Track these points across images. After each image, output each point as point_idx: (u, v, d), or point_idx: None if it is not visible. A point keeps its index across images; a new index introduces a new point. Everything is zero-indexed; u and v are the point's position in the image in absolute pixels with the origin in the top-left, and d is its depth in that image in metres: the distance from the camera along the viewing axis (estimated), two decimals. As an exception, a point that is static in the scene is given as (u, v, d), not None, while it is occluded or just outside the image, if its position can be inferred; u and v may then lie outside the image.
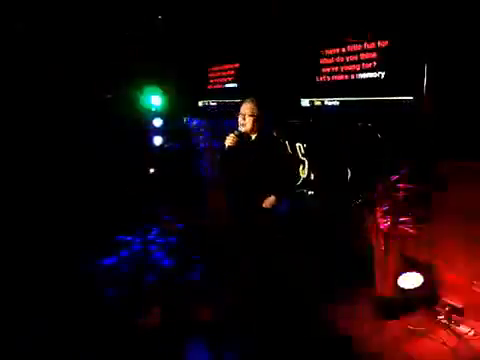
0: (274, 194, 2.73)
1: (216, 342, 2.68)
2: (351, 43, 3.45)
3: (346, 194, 3.61)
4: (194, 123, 5.95)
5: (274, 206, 2.74)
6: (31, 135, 5.09)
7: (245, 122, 2.77)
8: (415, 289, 2.95)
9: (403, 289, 2.96)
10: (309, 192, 3.99)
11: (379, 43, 3.22)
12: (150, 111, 5.54)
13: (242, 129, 2.78)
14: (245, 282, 2.85)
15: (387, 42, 3.16)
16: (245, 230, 2.83)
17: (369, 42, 3.30)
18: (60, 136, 5.30)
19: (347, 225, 3.53)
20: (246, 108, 2.78)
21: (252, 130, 2.78)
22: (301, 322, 2.87)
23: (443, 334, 2.70)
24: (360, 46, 3.38)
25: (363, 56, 3.37)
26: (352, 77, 3.49)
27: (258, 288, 2.80)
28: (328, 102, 3.76)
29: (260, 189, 2.74)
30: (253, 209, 2.78)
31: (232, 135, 2.74)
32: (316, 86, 3.84)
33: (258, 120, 2.77)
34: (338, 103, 3.65)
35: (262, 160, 2.74)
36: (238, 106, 2.87)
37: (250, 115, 2.76)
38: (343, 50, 3.53)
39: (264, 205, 2.74)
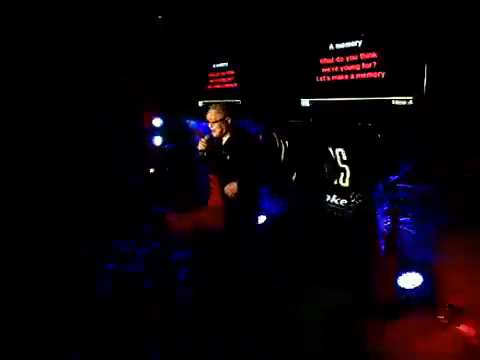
0: (237, 182, 2.86)
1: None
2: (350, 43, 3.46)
3: (346, 194, 3.61)
4: (194, 123, 5.96)
5: (236, 195, 2.86)
6: (32, 135, 5.10)
7: (213, 128, 2.96)
8: (415, 289, 2.95)
9: (403, 289, 2.96)
10: (309, 192, 3.99)
11: (379, 43, 3.22)
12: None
13: (214, 134, 2.98)
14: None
15: (387, 42, 3.16)
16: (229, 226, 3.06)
17: (369, 42, 3.30)
18: (60, 136, 5.31)
19: (347, 225, 3.53)
20: (209, 115, 2.97)
21: (221, 133, 2.96)
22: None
23: (443, 334, 2.70)
24: (360, 46, 3.38)
25: (363, 56, 3.37)
26: (352, 77, 3.49)
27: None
28: (328, 102, 3.76)
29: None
30: (231, 206, 2.96)
31: (203, 140, 2.96)
32: (316, 86, 3.84)
33: (224, 123, 2.94)
34: (338, 103, 3.65)
35: (233, 161, 2.91)
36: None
37: (213, 121, 2.94)
38: (343, 50, 3.54)
39: (225, 192, 2.90)
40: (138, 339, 2.73)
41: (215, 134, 2.97)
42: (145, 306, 3.14)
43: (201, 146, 2.96)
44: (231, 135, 2.98)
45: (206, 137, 2.99)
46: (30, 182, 4.86)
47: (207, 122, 3.07)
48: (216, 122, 2.93)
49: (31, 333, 2.75)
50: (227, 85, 5.20)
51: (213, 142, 2.99)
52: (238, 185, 2.85)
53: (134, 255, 4.12)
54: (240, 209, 2.95)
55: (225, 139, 3.00)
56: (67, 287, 3.38)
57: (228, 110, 3.00)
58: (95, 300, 3.23)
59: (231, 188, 2.87)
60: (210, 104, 5.66)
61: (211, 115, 2.96)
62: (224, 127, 2.95)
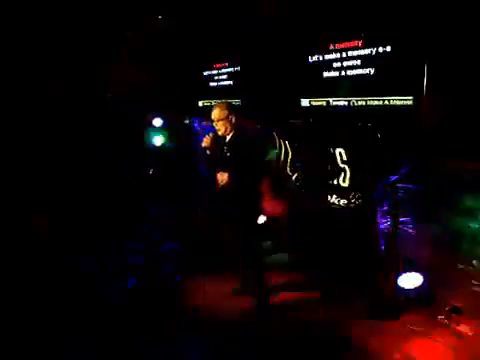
0: (230, 173, 2.92)
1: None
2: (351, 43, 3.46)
3: (346, 194, 3.61)
4: (194, 123, 5.96)
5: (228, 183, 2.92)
6: (32, 136, 5.10)
7: (217, 127, 3.01)
8: (415, 289, 2.95)
9: (403, 289, 2.96)
10: (309, 192, 3.99)
11: (380, 43, 3.23)
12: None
13: (218, 133, 3.02)
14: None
15: (388, 42, 3.16)
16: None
17: (370, 42, 3.30)
18: (60, 137, 5.31)
19: (347, 225, 3.52)
20: (213, 115, 3.02)
21: (226, 132, 3.00)
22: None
23: (443, 334, 2.70)
24: (360, 46, 3.38)
25: (363, 56, 3.37)
26: (352, 77, 3.49)
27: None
28: (328, 102, 3.76)
29: (235, 185, 2.93)
30: (230, 203, 3.02)
31: (207, 136, 3.03)
32: (316, 86, 3.84)
33: (228, 122, 2.98)
34: (338, 103, 3.65)
35: (235, 158, 2.95)
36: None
37: (217, 120, 2.98)
38: (343, 50, 3.54)
39: (218, 180, 2.97)
40: (141, 339, 2.73)
41: (220, 133, 3.01)
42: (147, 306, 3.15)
43: (205, 143, 3.02)
44: (235, 133, 3.02)
45: (211, 134, 3.03)
46: (30, 182, 4.86)
47: (208, 121, 3.09)
48: (220, 120, 2.98)
49: (31, 332, 2.76)
50: (228, 85, 5.21)
51: (217, 140, 3.03)
52: (229, 177, 2.91)
53: (135, 254, 4.12)
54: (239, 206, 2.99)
55: (228, 137, 3.04)
56: (67, 287, 3.39)
57: (232, 109, 3.05)
58: (96, 301, 3.23)
59: (222, 178, 2.94)
60: (211, 104, 5.76)
61: (215, 114, 3.00)
62: (228, 126, 2.98)
